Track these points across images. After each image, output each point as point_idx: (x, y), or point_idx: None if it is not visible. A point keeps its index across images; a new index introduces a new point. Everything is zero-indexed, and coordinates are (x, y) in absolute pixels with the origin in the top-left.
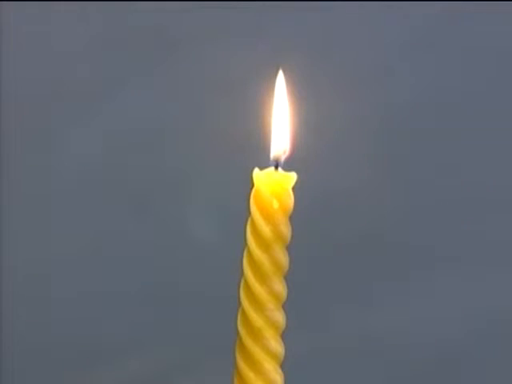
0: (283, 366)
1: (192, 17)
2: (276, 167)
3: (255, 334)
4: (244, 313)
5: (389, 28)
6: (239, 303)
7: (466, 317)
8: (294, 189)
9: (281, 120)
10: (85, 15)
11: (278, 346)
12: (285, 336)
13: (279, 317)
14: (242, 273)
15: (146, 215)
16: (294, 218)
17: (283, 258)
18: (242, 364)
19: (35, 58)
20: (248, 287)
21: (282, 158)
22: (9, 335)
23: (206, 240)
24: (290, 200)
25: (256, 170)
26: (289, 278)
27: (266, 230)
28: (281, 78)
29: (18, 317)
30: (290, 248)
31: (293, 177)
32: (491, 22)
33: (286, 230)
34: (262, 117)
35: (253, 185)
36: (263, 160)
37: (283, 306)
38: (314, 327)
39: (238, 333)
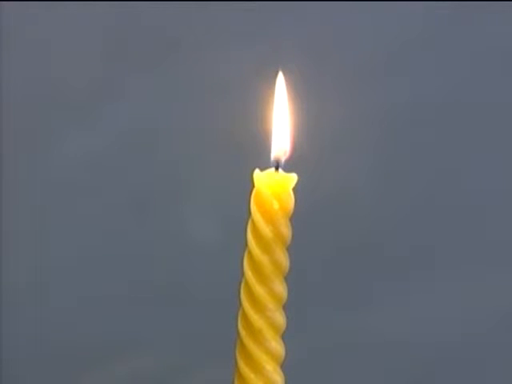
0: (283, 366)
1: (192, 17)
2: (276, 168)
3: (256, 335)
4: (244, 313)
5: (389, 28)
6: (240, 304)
7: (465, 317)
8: (294, 190)
9: (281, 121)
10: (85, 15)
11: (278, 347)
12: (285, 337)
13: (279, 318)
14: (242, 273)
15: (147, 216)
16: (295, 218)
17: (283, 259)
18: (242, 365)
19: (35, 58)
20: (248, 288)
21: (283, 159)
22: (9, 334)
23: (207, 241)
24: (290, 201)
25: (256, 171)
26: (289, 279)
27: (266, 230)
28: (281, 79)
29: (19, 316)
30: (290, 249)
31: (293, 178)
32: (492, 22)
33: (286, 231)
34: (263, 118)
35: (253, 186)
36: (264, 161)
37: (284, 307)
38: (314, 328)
39: (238, 333)
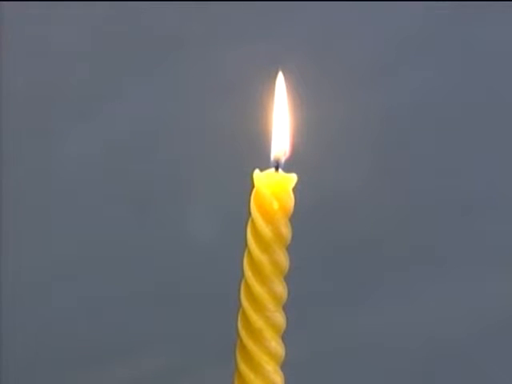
0: (283, 366)
1: (192, 17)
2: (276, 168)
3: (255, 335)
4: (244, 314)
5: (389, 28)
6: (239, 304)
7: (466, 317)
8: (294, 190)
9: (281, 121)
10: (85, 15)
11: (278, 347)
12: (285, 337)
13: (279, 318)
14: (242, 273)
15: (147, 216)
16: (295, 218)
17: (283, 259)
18: (242, 365)
19: (35, 57)
20: (248, 288)
21: (283, 159)
22: (9, 335)
23: (207, 241)
24: (290, 201)
25: (256, 171)
26: (289, 279)
27: (266, 230)
28: (281, 79)
29: (19, 316)
30: (290, 249)
31: (293, 178)
32: (491, 22)
33: (286, 231)
34: (263, 118)
35: (253, 186)
36: (263, 161)
37: (283, 307)
38: (314, 328)
39: (238, 334)
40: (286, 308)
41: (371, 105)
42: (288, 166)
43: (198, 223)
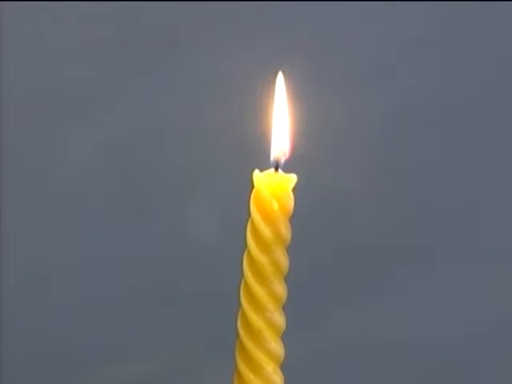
0: (283, 367)
1: (192, 17)
2: (276, 169)
3: (255, 336)
4: (244, 314)
5: (389, 28)
6: (239, 304)
7: (465, 317)
8: (294, 190)
9: (281, 121)
10: (85, 15)
11: (277, 348)
12: (285, 337)
13: (279, 318)
14: (242, 274)
15: (147, 216)
16: (294, 219)
17: (283, 260)
18: (241, 365)
19: (35, 58)
20: (248, 288)
21: (282, 160)
22: (9, 335)
23: (207, 241)
24: (290, 201)
25: (256, 172)
26: (289, 280)
27: (266, 231)
28: (280, 80)
29: (18, 317)
30: (290, 249)
31: (293, 178)
32: (491, 23)
33: (286, 232)
34: (262, 118)
35: (253, 186)
36: (263, 161)
37: (283, 308)
38: (314, 328)
39: (237, 334)
40: (286, 308)
41: (371, 105)
42: (288, 167)
43: (198, 223)
